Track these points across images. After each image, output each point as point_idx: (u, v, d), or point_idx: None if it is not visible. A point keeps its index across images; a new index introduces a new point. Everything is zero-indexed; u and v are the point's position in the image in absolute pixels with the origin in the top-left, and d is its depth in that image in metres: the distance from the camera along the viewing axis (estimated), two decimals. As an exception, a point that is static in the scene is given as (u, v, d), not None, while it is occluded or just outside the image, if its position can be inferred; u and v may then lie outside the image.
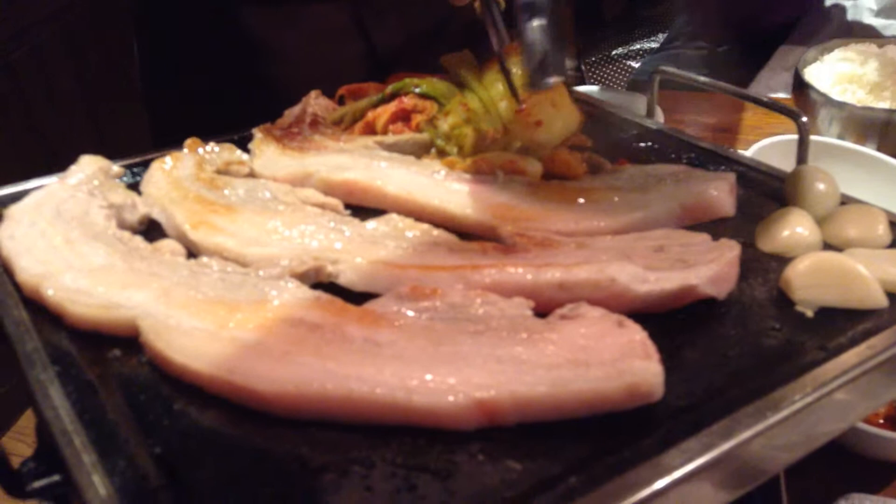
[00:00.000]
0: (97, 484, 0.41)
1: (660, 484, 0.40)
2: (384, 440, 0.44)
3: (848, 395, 0.47)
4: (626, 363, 0.44)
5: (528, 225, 0.59)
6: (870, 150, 1.07)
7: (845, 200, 0.64)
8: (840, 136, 1.15)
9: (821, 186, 0.63)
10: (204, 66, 1.13)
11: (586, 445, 0.43)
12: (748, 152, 1.05)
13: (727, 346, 0.50)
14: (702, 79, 0.79)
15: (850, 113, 1.15)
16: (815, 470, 0.76)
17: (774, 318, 0.53)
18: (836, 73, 1.23)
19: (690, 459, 0.41)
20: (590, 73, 2.77)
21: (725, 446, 0.42)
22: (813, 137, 1.12)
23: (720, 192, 0.62)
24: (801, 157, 0.70)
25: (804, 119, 0.70)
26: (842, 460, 0.75)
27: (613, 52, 2.94)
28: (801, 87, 1.22)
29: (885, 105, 1.17)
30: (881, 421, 0.77)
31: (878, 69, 1.22)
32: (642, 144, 0.79)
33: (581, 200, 0.63)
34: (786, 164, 0.94)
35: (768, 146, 1.08)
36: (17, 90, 1.75)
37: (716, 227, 0.61)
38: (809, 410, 0.45)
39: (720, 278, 0.52)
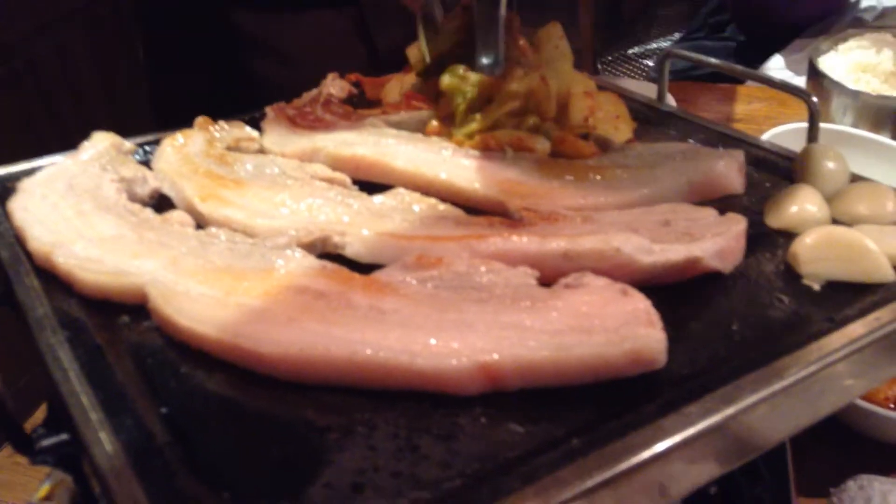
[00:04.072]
0: (104, 440, 0.41)
1: (660, 447, 0.40)
2: (388, 403, 0.44)
3: (852, 367, 0.47)
4: (630, 330, 0.44)
5: (535, 200, 0.60)
6: (884, 139, 1.07)
7: (855, 179, 0.63)
8: (854, 125, 1.15)
9: (830, 164, 0.63)
10: (206, 66, 1.14)
11: (589, 410, 0.43)
12: (765, 137, 1.05)
13: (732, 318, 0.50)
14: (712, 60, 0.79)
15: (864, 102, 1.15)
16: (825, 451, 0.76)
17: (781, 291, 0.53)
18: (851, 62, 1.23)
19: (691, 424, 0.41)
20: (606, 72, 2.77)
21: (726, 412, 0.42)
22: (827, 126, 1.12)
23: (728, 169, 0.62)
24: (812, 137, 0.70)
25: (814, 99, 0.70)
26: (852, 442, 0.75)
27: (630, 51, 2.93)
28: (815, 75, 1.21)
29: (900, 94, 1.16)
30: (892, 404, 0.77)
31: (893, 58, 1.21)
32: (651, 125, 0.79)
33: (589, 177, 0.63)
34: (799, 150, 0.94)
35: (782, 133, 1.07)
36: (37, 81, 1.77)
37: (724, 204, 0.61)
38: (812, 380, 0.45)
39: (726, 252, 0.52)
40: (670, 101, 1.26)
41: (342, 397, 0.45)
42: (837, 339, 0.47)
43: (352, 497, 0.38)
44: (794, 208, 0.58)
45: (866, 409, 0.71)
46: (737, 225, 0.54)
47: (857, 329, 0.48)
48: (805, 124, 1.09)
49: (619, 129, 0.74)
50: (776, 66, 1.56)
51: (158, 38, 1.22)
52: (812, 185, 0.62)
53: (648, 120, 0.81)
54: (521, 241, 0.52)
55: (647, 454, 0.40)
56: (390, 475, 0.40)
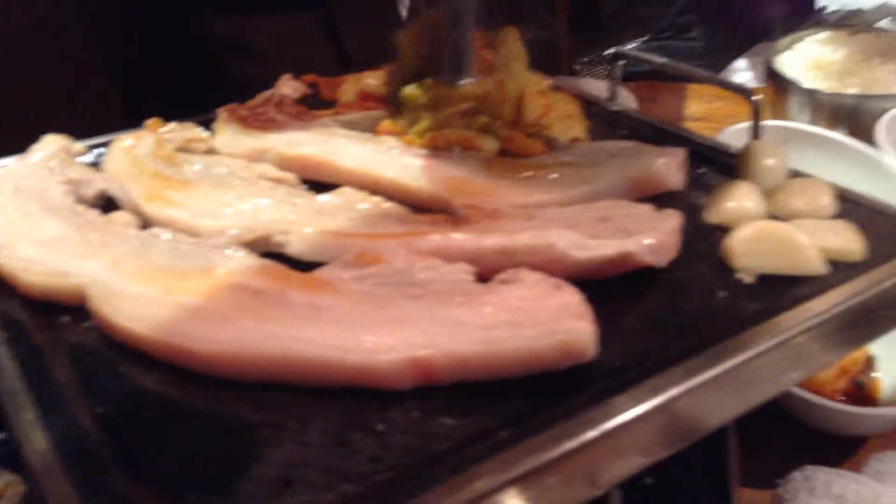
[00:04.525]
0: (36, 439, 0.41)
1: (587, 437, 0.41)
2: (322, 400, 0.44)
3: (782, 357, 0.48)
4: (560, 323, 0.45)
5: (480, 198, 0.60)
6: (839, 136, 1.08)
7: (795, 175, 0.65)
8: (811, 122, 1.16)
9: (768, 161, 0.64)
10: (176, 68, 1.14)
11: (520, 402, 0.44)
12: (718, 137, 1.06)
13: (665, 311, 0.51)
14: (659, 59, 0.81)
15: (820, 99, 1.16)
16: (774, 443, 0.77)
17: (715, 284, 0.54)
18: (807, 60, 1.24)
19: (618, 414, 0.42)
20: (582, 73, 2.79)
21: (653, 402, 0.43)
22: (784, 123, 1.14)
23: (668, 166, 0.63)
24: (755, 135, 0.71)
25: (756, 98, 0.71)
26: (801, 435, 0.76)
27: (605, 53, 2.95)
28: (772, 74, 1.23)
29: (855, 91, 1.18)
30: (840, 397, 0.78)
31: (848, 56, 1.23)
32: (604, 125, 0.80)
33: (534, 175, 0.63)
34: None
35: (739, 131, 1.08)
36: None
37: (667, 201, 0.62)
38: (742, 370, 0.46)
39: (660, 247, 0.53)
40: (631, 100, 1.29)
41: (277, 394, 0.45)
42: (767, 330, 0.48)
43: (280, 492, 0.39)
44: (730, 204, 0.59)
45: (814, 402, 0.72)
46: (671, 221, 0.55)
47: (787, 320, 0.49)
48: (763, 122, 1.11)
49: (573, 127, 0.75)
50: (740, 68, 1.58)
51: (126, 41, 1.22)
52: (751, 181, 0.63)
53: (601, 119, 0.82)
54: (459, 238, 0.52)
55: (573, 444, 0.40)
56: (320, 470, 0.40)
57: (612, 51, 0.89)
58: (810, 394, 0.73)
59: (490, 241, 0.52)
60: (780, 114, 1.22)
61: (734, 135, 1.07)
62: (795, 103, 1.19)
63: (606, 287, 0.53)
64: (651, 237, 0.53)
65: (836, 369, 0.78)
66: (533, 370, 0.45)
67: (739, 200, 0.60)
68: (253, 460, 0.41)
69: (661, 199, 0.63)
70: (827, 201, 0.60)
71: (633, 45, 2.82)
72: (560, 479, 0.40)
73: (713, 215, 0.60)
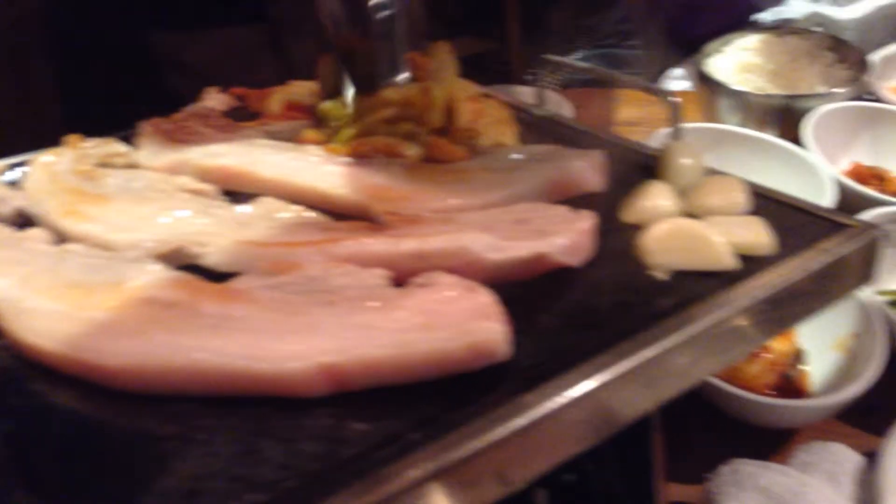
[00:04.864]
0: (-67, 461, 0.40)
1: (494, 435, 0.41)
2: (232, 410, 0.44)
3: (694, 350, 0.49)
4: (472, 324, 0.45)
5: (401, 204, 0.61)
6: (768, 136, 1.11)
7: (712, 174, 0.66)
8: (742, 124, 1.19)
9: (684, 161, 0.65)
10: (119, 85, 1.13)
11: (432, 405, 0.44)
12: (651, 140, 1.08)
13: (581, 310, 0.52)
14: (583, 65, 0.82)
15: (749, 101, 1.19)
16: (705, 440, 0.78)
17: (629, 282, 0.54)
18: (736, 63, 1.27)
19: (526, 411, 0.42)
20: (534, 83, 2.82)
21: (562, 399, 0.43)
22: (715, 125, 1.16)
23: (585, 169, 0.64)
24: (675, 136, 0.73)
25: (674, 100, 0.72)
26: (732, 430, 0.78)
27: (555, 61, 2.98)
28: (702, 78, 1.25)
29: (783, 92, 1.21)
30: (768, 391, 0.80)
31: (776, 58, 1.26)
32: (534, 130, 0.81)
33: (456, 180, 0.64)
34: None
35: (663, 135, 1.10)
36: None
37: (587, 202, 0.63)
38: (652, 363, 0.47)
39: (574, 247, 0.54)
40: (568, 107, 1.30)
41: (187, 406, 0.44)
42: (678, 324, 0.49)
43: (184, 503, 0.38)
44: (645, 203, 0.60)
45: (743, 397, 0.73)
46: (585, 221, 0.55)
47: (698, 313, 0.50)
48: (691, 124, 1.14)
49: (503, 133, 0.76)
50: (676, 76, 1.61)
51: (68, 57, 1.20)
52: (668, 180, 0.64)
53: (531, 125, 0.82)
54: (375, 244, 0.52)
55: (480, 443, 0.40)
56: (227, 479, 0.40)
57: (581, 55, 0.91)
58: (740, 389, 0.74)
59: (405, 245, 0.52)
60: (711, 116, 1.24)
61: (664, 137, 1.09)
62: (726, 105, 1.22)
63: (523, 288, 0.53)
64: (565, 238, 0.54)
65: (765, 364, 0.79)
66: (446, 372, 0.45)
67: (654, 199, 0.61)
68: (159, 473, 0.40)
69: (581, 201, 0.63)
70: (740, 198, 0.61)
71: (581, 53, 2.86)
72: (468, 479, 0.41)
73: (629, 215, 0.61)
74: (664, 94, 0.74)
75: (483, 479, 0.41)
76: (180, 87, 1.10)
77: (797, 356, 0.82)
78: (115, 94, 1.14)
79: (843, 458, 0.67)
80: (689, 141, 0.99)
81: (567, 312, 0.52)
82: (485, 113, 0.76)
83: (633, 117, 1.37)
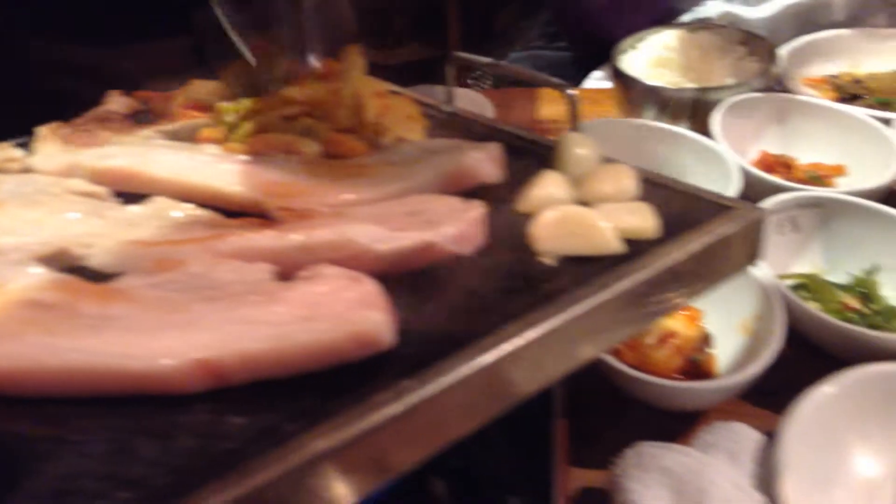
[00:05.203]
0: None
1: (368, 422, 0.41)
2: (108, 409, 0.43)
3: (577, 331, 0.50)
4: (354, 314, 0.46)
5: (296, 199, 0.60)
6: (680, 129, 1.13)
7: (605, 163, 0.67)
8: (657, 119, 1.21)
9: (578, 150, 0.66)
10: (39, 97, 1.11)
11: (314, 396, 0.44)
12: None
13: (470, 297, 0.52)
14: (485, 60, 0.83)
15: (662, 95, 1.22)
16: (616, 426, 0.79)
17: (518, 269, 0.55)
18: (650, 59, 1.30)
19: (403, 397, 0.42)
20: (474, 86, 2.84)
21: (440, 383, 0.43)
22: (630, 120, 1.18)
23: (480, 161, 0.64)
24: (573, 127, 0.74)
25: (571, 93, 0.74)
26: (640, 414, 0.79)
27: (501, 63, 3.00)
28: (617, 74, 1.28)
29: (694, 85, 1.23)
30: (676, 375, 0.81)
31: (689, 53, 1.29)
32: (443, 127, 0.82)
33: (354, 174, 0.64)
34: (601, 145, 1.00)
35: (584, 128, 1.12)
36: None
37: (484, 194, 0.64)
38: (535, 346, 0.48)
39: (463, 236, 0.55)
40: (489, 106, 1.32)
41: (64, 407, 0.44)
42: (560, 307, 0.50)
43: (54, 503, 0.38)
44: (538, 192, 0.61)
45: (648, 381, 0.75)
46: (475, 211, 0.56)
47: (581, 296, 0.51)
48: (604, 120, 1.16)
49: (412, 129, 0.76)
50: (597, 77, 1.63)
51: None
52: (563, 170, 0.65)
53: (442, 121, 0.83)
54: (260, 238, 0.52)
55: (355, 431, 0.41)
56: (99, 478, 0.39)
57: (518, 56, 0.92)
58: (646, 374, 0.76)
59: (290, 239, 0.52)
60: (628, 111, 1.27)
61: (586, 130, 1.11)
62: (640, 100, 1.24)
63: (414, 278, 0.54)
64: (453, 227, 0.54)
65: (672, 349, 0.81)
66: (328, 363, 0.45)
67: (546, 188, 0.62)
68: (30, 475, 0.39)
69: (478, 192, 0.64)
70: (630, 185, 0.63)
71: (511, 55, 2.89)
72: (344, 466, 0.41)
73: (523, 204, 0.61)
74: (562, 88, 0.75)
75: (360, 466, 0.41)
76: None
77: (704, 340, 0.84)
78: (36, 107, 1.12)
79: (744, 436, 0.69)
80: (586, 133, 1.01)
81: (455, 300, 0.52)
82: (392, 109, 0.77)
83: (554, 115, 1.39)
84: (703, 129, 1.13)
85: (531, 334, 0.47)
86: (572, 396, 0.81)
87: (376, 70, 0.79)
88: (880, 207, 0.91)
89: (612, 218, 0.57)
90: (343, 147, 0.68)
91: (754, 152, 1.15)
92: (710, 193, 0.62)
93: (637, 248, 0.56)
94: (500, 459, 0.58)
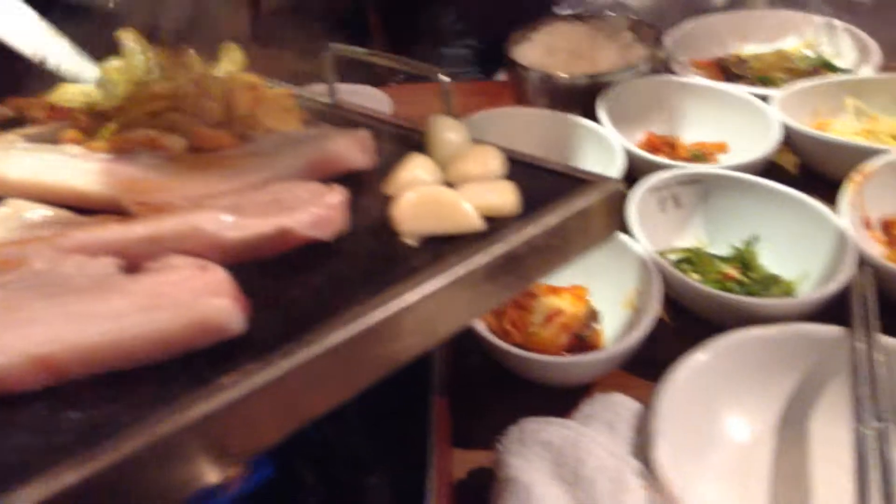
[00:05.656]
0: None
1: (209, 407, 0.41)
2: (-61, 412, 0.42)
3: (432, 307, 0.50)
4: (199, 302, 0.45)
5: (156, 195, 0.59)
6: (571, 116, 1.15)
7: (473, 145, 0.68)
8: (550, 107, 1.23)
9: (446, 134, 0.67)
10: None
11: (156, 385, 0.43)
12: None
13: (329, 280, 0.52)
14: (361, 50, 0.82)
15: (554, 83, 1.24)
16: (502, 404, 0.79)
17: (380, 251, 0.55)
18: (542, 47, 1.32)
19: (244, 380, 0.42)
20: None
21: (284, 365, 0.43)
22: (521, 108, 1.20)
23: (346, 147, 0.64)
24: (446, 111, 0.74)
25: (444, 79, 0.74)
26: (530, 392, 0.80)
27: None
28: (512, 64, 1.29)
29: (584, 73, 1.26)
30: (564, 351, 0.82)
31: (579, 41, 1.31)
32: (324, 119, 0.81)
33: (218, 166, 0.63)
34: (491, 134, 1.02)
35: (480, 118, 1.14)
36: None
37: (354, 179, 0.64)
38: (388, 324, 0.48)
39: (322, 220, 0.54)
40: (385, 101, 1.32)
41: None
42: (416, 283, 0.50)
43: None
44: (404, 174, 0.62)
45: (529, 358, 0.76)
46: (335, 195, 0.56)
47: (438, 272, 0.51)
48: (498, 110, 1.17)
49: (286, 120, 0.75)
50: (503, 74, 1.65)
51: None
52: (432, 153, 0.66)
53: (320, 114, 0.83)
54: (105, 232, 0.51)
55: (194, 415, 0.40)
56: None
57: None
58: (530, 352, 0.77)
59: (136, 230, 0.51)
60: (522, 101, 1.28)
61: (477, 121, 1.12)
62: (534, 89, 1.26)
63: (274, 265, 0.53)
64: (311, 212, 0.54)
65: (558, 326, 0.82)
66: (173, 352, 0.44)
67: (412, 170, 0.62)
68: None
69: (348, 179, 0.64)
70: (495, 165, 0.63)
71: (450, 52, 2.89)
72: (186, 452, 0.40)
73: (390, 187, 0.62)
74: (433, 73, 0.75)
75: (202, 452, 0.41)
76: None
77: (591, 317, 0.85)
78: None
79: (622, 407, 0.70)
80: (478, 122, 1.03)
81: (315, 284, 0.52)
82: (266, 102, 0.76)
83: (455, 107, 1.39)
84: (593, 116, 1.15)
85: (382, 313, 0.48)
86: (462, 378, 0.82)
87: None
88: (757, 180, 0.94)
89: (473, 197, 0.58)
90: (208, 140, 0.67)
91: (641, 134, 1.18)
92: (572, 169, 0.63)
93: (497, 225, 0.57)
94: (374, 440, 0.58)
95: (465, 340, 0.81)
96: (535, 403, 0.78)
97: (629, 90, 1.18)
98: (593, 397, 0.73)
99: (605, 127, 1.09)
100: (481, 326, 0.81)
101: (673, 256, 0.93)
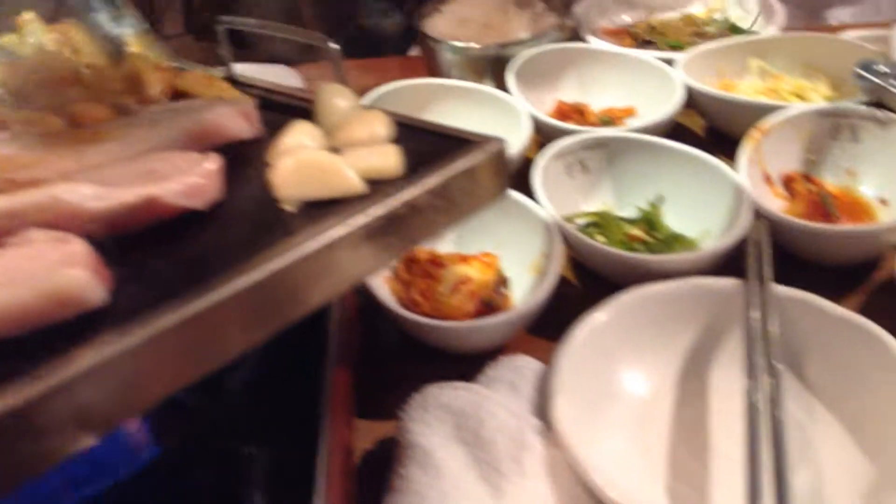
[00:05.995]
0: None
1: (60, 378, 0.39)
2: None
3: (307, 272, 0.49)
4: (56, 273, 0.43)
5: (27, 171, 0.57)
6: (480, 86, 1.15)
7: (360, 110, 0.67)
8: (462, 78, 1.22)
9: (332, 99, 0.66)
10: None
11: (13, 359, 0.41)
12: (368, 97, 1.09)
13: (202, 249, 0.51)
14: (251, 21, 0.81)
15: (464, 55, 1.23)
16: (410, 373, 0.78)
17: (257, 217, 0.54)
18: (452, 19, 1.31)
19: (103, 351, 0.41)
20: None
21: (141, 335, 0.42)
22: (434, 80, 1.19)
23: (228, 116, 0.63)
24: (339, 80, 0.73)
25: (334, 47, 0.73)
26: (439, 360, 0.79)
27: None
28: (423, 37, 1.28)
29: (494, 43, 1.25)
30: (472, 318, 0.82)
31: (488, 12, 1.31)
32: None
33: (93, 141, 0.61)
34: (400, 107, 1.01)
35: (387, 92, 1.12)
36: None
37: (237, 148, 0.62)
38: (255, 290, 0.47)
39: (194, 189, 0.53)
40: (295, 77, 1.30)
41: None
42: (287, 248, 0.49)
43: None
44: (287, 141, 0.60)
45: (433, 325, 0.75)
46: (209, 163, 0.55)
47: (314, 233, 0.50)
48: (409, 81, 1.16)
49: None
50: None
51: None
52: (319, 119, 0.65)
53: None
54: (-42, 209, 0.49)
55: (45, 388, 0.39)
56: None
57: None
58: (437, 320, 0.76)
59: (-8, 205, 0.49)
60: (435, 73, 1.27)
61: (386, 94, 1.11)
62: (445, 61, 1.25)
63: (146, 236, 0.52)
64: (182, 180, 0.53)
65: (466, 294, 0.82)
66: (27, 326, 0.43)
67: (295, 137, 0.61)
68: None
69: (232, 148, 0.63)
70: (381, 129, 0.62)
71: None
72: (40, 424, 0.39)
73: (271, 154, 0.60)
74: (323, 42, 0.74)
75: (57, 426, 0.39)
76: None
77: (500, 283, 0.86)
78: None
79: (525, 368, 0.70)
80: (385, 96, 1.02)
81: (186, 253, 0.51)
82: (178, 81, 0.74)
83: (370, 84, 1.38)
84: (503, 85, 1.15)
85: (247, 279, 0.46)
86: (372, 351, 0.82)
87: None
88: (659, 141, 0.95)
89: (355, 160, 0.57)
90: (84, 115, 0.64)
91: (552, 102, 1.18)
92: (457, 131, 0.63)
93: (380, 188, 0.56)
94: (262, 411, 0.57)
95: (375, 312, 0.81)
96: (446, 372, 0.77)
97: (538, 59, 1.18)
98: (497, 360, 0.73)
99: (513, 96, 1.09)
100: (388, 298, 0.81)
101: (581, 221, 0.93)
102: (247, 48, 1.39)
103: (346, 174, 0.55)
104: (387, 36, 2.10)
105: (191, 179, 0.53)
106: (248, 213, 0.55)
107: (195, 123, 0.61)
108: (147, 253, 0.51)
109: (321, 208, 0.54)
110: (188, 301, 0.44)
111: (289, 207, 0.55)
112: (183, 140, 0.61)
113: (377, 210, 0.53)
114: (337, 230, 0.51)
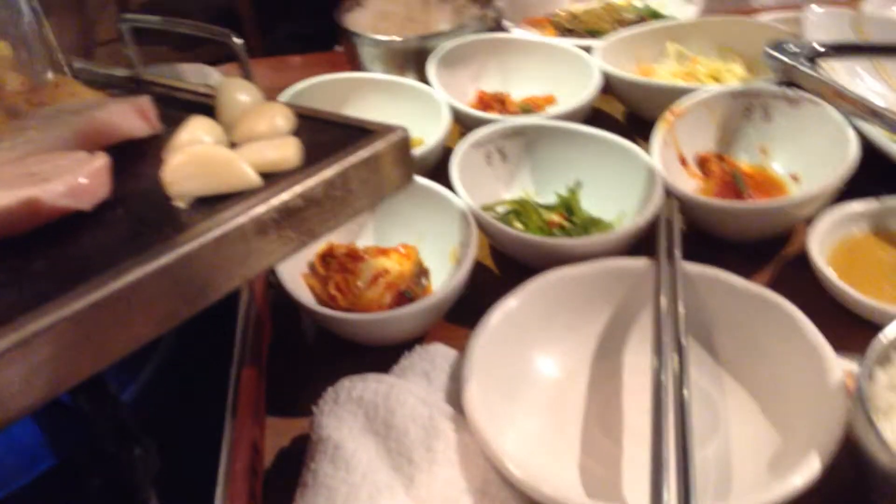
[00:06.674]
0: None
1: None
2: None
3: (196, 267, 0.49)
4: (-76, 281, 0.42)
5: None
6: (402, 79, 1.15)
7: (260, 104, 0.66)
8: (386, 72, 1.22)
9: (233, 94, 0.65)
10: None
11: None
12: (286, 94, 1.08)
13: (87, 251, 0.50)
14: (154, 18, 0.79)
15: (386, 48, 1.22)
16: (328, 368, 0.78)
17: (147, 216, 0.53)
18: (374, 14, 1.30)
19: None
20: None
21: (10, 340, 0.41)
22: (354, 74, 1.18)
23: (120, 114, 0.61)
24: (245, 75, 0.72)
25: (237, 41, 0.72)
26: (357, 354, 0.79)
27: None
28: (344, 32, 1.27)
29: (415, 35, 1.25)
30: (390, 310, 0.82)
31: (411, 5, 1.31)
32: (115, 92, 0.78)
33: (-19, 146, 0.59)
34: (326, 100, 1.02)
35: (308, 87, 1.11)
36: None
37: (132, 147, 0.61)
38: (140, 287, 0.46)
39: (78, 190, 0.51)
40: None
41: None
42: (176, 244, 0.48)
43: None
44: (183, 137, 0.59)
45: (346, 319, 0.75)
46: (95, 162, 0.53)
47: (205, 229, 0.49)
48: (332, 76, 1.15)
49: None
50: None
51: None
52: (221, 115, 0.64)
53: (125, 90, 0.79)
54: None
55: None
56: None
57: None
58: (350, 313, 0.76)
59: None
60: (357, 67, 1.27)
61: (307, 89, 1.10)
62: (367, 55, 1.24)
63: (28, 239, 0.50)
64: (65, 181, 0.51)
65: (383, 286, 0.82)
66: None
67: (192, 132, 0.60)
68: None
69: (132, 147, 0.61)
70: (280, 122, 0.62)
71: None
72: None
73: (167, 152, 0.59)
74: (227, 37, 0.73)
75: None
76: None
77: (420, 274, 0.86)
78: None
79: (439, 356, 0.71)
80: (303, 91, 1.01)
81: (68, 255, 0.49)
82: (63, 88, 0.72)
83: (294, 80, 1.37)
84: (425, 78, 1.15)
85: (125, 279, 0.45)
86: (287, 348, 0.81)
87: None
88: (575, 127, 0.96)
89: (251, 154, 0.56)
90: (-25, 119, 0.63)
91: (474, 92, 1.18)
92: (358, 121, 0.62)
93: (276, 180, 0.55)
94: (165, 411, 0.56)
95: (292, 309, 0.80)
96: (364, 365, 0.77)
97: (459, 49, 1.18)
98: (412, 351, 0.73)
99: (434, 88, 1.09)
100: (304, 294, 0.80)
101: (500, 209, 0.93)
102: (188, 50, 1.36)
103: (240, 168, 0.55)
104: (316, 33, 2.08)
105: (74, 180, 0.52)
106: (136, 211, 0.54)
107: (87, 123, 0.60)
108: (25, 257, 0.49)
109: (214, 203, 0.54)
110: (62, 305, 0.43)
111: (180, 204, 0.54)
112: (74, 140, 0.59)
113: (270, 202, 0.52)
114: (226, 225, 0.50)
